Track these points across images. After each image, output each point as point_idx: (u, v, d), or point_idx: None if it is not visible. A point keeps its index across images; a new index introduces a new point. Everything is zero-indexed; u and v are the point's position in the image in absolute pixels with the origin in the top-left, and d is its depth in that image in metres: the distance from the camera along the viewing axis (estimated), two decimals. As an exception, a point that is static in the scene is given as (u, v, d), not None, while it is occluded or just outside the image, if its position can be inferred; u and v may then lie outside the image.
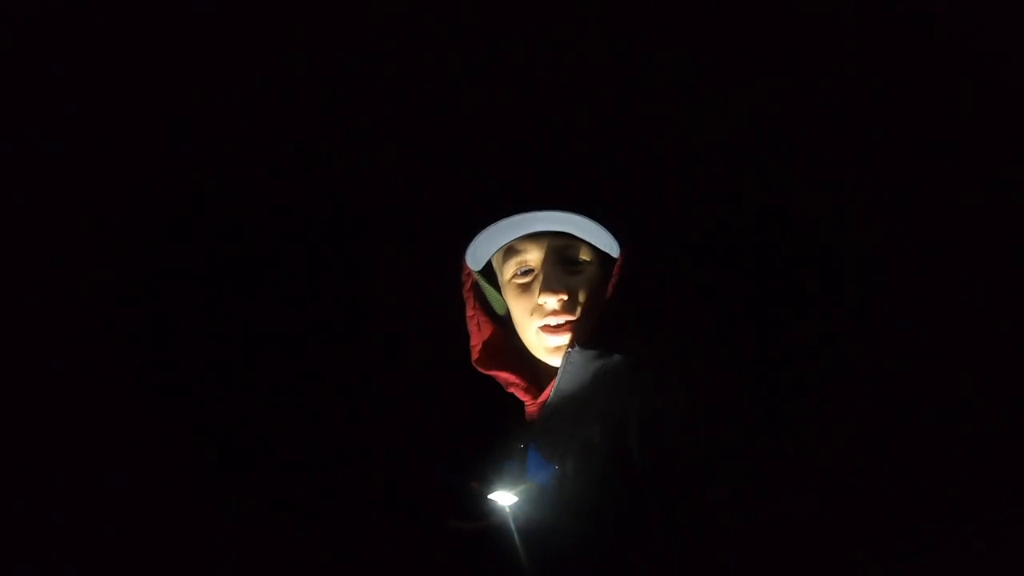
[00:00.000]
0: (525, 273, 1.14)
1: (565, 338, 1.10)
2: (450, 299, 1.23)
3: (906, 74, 1.46)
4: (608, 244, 1.12)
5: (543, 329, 1.11)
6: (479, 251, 1.17)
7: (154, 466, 1.48)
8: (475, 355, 1.21)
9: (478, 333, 1.21)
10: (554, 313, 1.09)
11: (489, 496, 1.07)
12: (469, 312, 1.22)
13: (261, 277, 1.66)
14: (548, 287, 1.09)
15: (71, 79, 1.58)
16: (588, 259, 1.12)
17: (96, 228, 1.60)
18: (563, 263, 1.11)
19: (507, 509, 1.04)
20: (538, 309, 1.11)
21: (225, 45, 1.61)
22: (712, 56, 1.52)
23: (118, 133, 1.61)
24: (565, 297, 1.09)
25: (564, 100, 1.55)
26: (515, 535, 0.99)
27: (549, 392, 1.11)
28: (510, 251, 1.14)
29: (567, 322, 1.09)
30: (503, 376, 1.19)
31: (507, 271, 1.16)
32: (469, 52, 1.59)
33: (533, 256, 1.12)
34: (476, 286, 1.23)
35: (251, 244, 1.66)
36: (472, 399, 1.28)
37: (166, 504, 1.44)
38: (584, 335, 1.09)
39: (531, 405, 1.16)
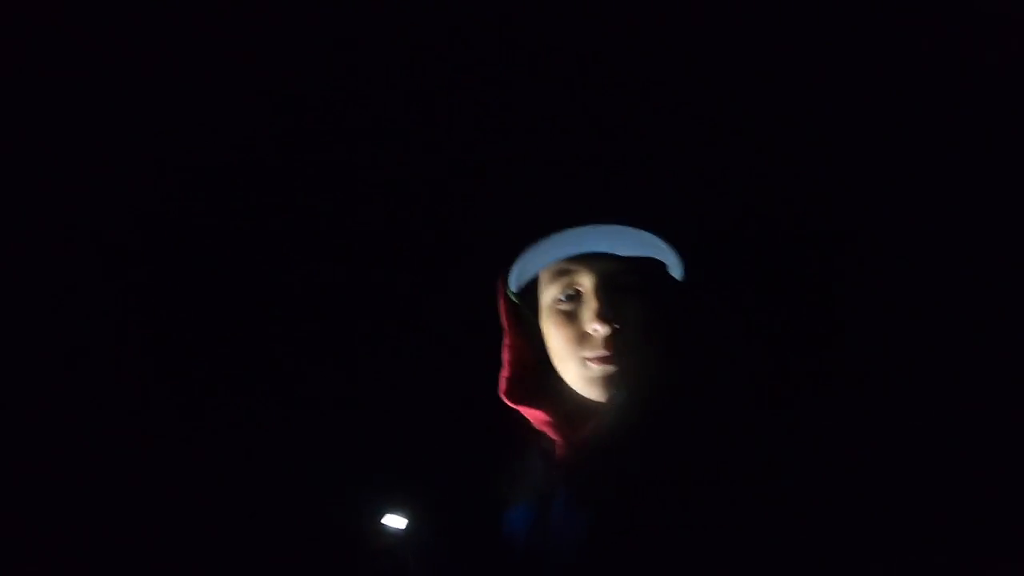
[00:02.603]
0: (570, 298, 1.03)
1: (612, 369, 0.99)
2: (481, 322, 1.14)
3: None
4: (663, 266, 1.03)
5: (590, 359, 1.00)
6: (521, 273, 1.07)
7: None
8: (504, 386, 1.10)
9: (513, 363, 1.10)
10: (604, 344, 0.99)
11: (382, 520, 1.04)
12: (507, 340, 1.11)
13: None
14: (601, 315, 0.98)
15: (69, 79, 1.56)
16: (642, 285, 1.01)
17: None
18: (616, 290, 1.00)
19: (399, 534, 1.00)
20: (587, 338, 1.00)
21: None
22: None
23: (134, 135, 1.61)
24: (618, 327, 0.98)
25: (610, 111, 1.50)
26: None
27: (588, 431, 1.01)
28: (556, 272, 1.04)
29: (616, 354, 0.99)
30: (534, 413, 1.08)
31: (549, 294, 1.05)
32: (500, 62, 1.57)
33: (583, 279, 1.02)
34: (514, 310, 1.12)
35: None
36: (488, 431, 1.18)
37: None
38: (635, 371, 0.99)
39: (563, 446, 1.05)
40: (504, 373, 1.10)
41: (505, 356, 1.11)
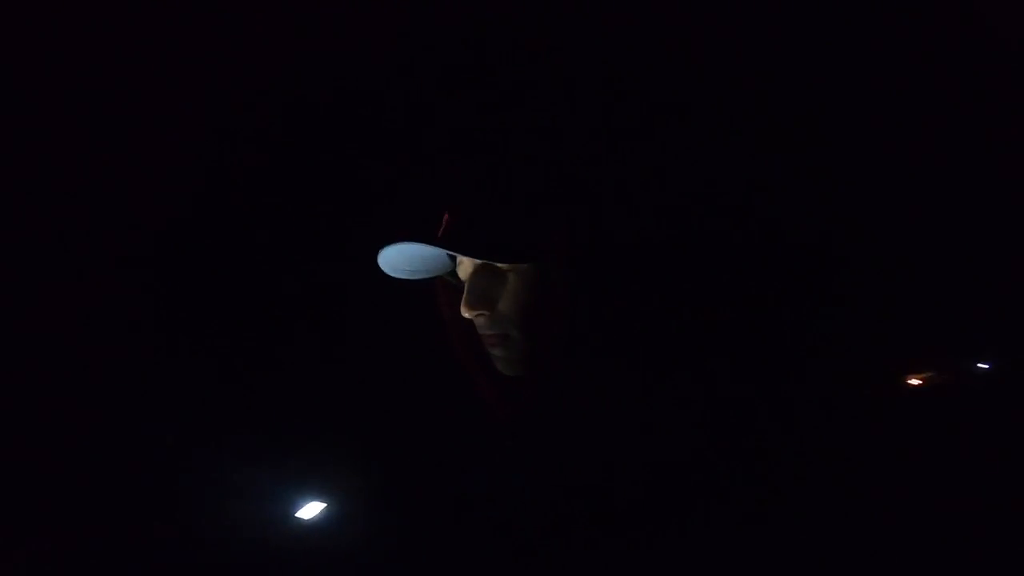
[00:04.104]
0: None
1: (497, 351, 1.01)
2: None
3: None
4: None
5: (481, 338, 1.03)
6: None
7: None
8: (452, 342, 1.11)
9: (450, 324, 1.10)
10: (482, 327, 1.01)
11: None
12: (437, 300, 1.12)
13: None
14: (467, 303, 0.99)
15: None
16: (516, 269, 0.99)
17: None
18: (492, 274, 1.00)
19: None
20: (471, 321, 1.02)
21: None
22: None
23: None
24: (487, 313, 0.99)
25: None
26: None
27: (518, 402, 1.04)
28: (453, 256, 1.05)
29: (497, 335, 1.00)
30: (477, 379, 1.09)
31: (459, 273, 1.06)
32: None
33: (464, 263, 1.03)
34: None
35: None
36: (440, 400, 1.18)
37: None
38: (516, 354, 1.00)
39: (503, 413, 1.07)
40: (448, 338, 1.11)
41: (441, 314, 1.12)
